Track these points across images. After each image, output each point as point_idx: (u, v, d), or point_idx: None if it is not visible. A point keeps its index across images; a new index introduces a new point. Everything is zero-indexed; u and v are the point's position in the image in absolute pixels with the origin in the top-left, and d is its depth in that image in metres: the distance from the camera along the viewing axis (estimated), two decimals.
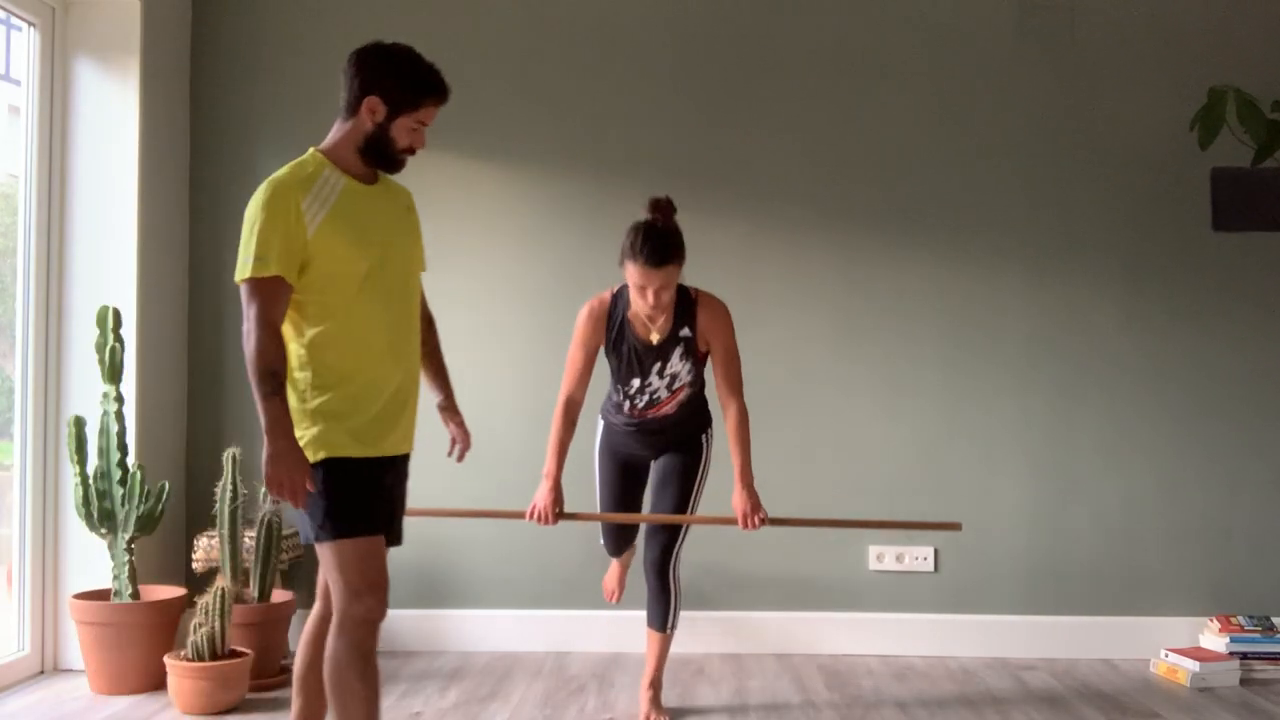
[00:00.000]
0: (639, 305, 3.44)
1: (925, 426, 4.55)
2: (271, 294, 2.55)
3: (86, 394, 4.09)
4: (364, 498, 2.67)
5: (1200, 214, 4.43)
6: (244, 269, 2.55)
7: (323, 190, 2.63)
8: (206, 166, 4.63)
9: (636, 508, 3.79)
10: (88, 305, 4.11)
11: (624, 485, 3.76)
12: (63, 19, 4.21)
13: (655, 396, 3.58)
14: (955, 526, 3.78)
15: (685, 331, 3.49)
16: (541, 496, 3.54)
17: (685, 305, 3.50)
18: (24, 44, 4.15)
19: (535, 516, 3.54)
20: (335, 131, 2.73)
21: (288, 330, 2.64)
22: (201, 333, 4.62)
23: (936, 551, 4.54)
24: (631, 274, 3.37)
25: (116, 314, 3.98)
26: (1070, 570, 4.53)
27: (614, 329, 3.52)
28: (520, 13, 4.63)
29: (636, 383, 3.56)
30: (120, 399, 3.98)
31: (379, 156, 2.72)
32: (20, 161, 4.15)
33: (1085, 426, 4.54)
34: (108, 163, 4.22)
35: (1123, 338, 4.56)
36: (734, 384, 3.54)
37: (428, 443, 4.69)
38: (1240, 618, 4.34)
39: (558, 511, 3.54)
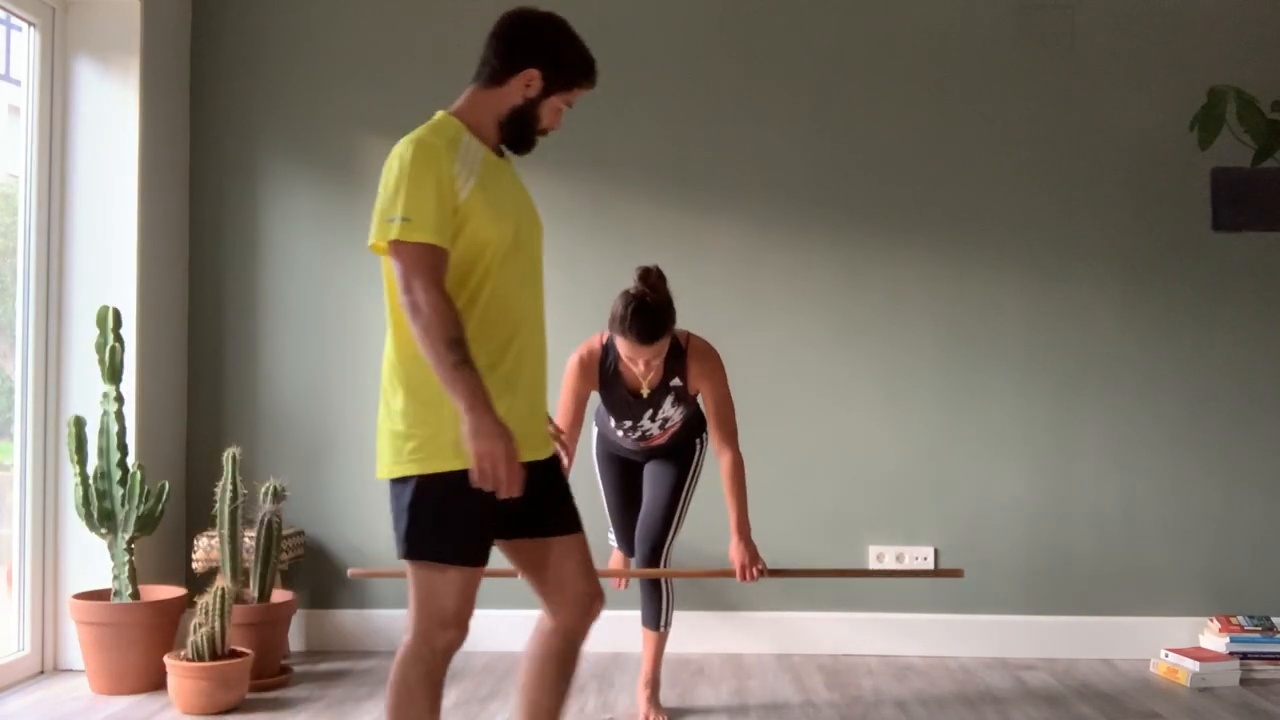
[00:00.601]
0: (629, 368, 3.42)
1: (925, 425, 4.54)
2: (430, 259, 2.26)
3: (86, 394, 4.09)
4: (489, 519, 2.38)
5: (1200, 214, 4.43)
6: (387, 229, 2.27)
7: (468, 156, 2.37)
8: (206, 166, 4.63)
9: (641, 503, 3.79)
10: (88, 305, 4.11)
11: (627, 481, 3.79)
12: (63, 19, 4.21)
13: (647, 433, 3.59)
14: (958, 573, 3.77)
15: (676, 381, 3.47)
16: None
17: (676, 355, 3.45)
18: (24, 44, 4.15)
19: None
20: (472, 98, 2.47)
21: None
22: (201, 333, 4.62)
23: (936, 552, 4.54)
24: (622, 346, 3.33)
25: (116, 314, 3.98)
26: (1070, 570, 4.53)
27: (605, 377, 3.48)
28: None
29: (629, 423, 3.56)
30: (120, 399, 3.98)
31: (519, 133, 2.50)
32: (20, 161, 4.15)
33: (1085, 426, 4.54)
34: (108, 163, 4.22)
35: (1122, 338, 4.55)
36: (728, 432, 3.49)
37: None
38: (1240, 618, 4.34)
39: None
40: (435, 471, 2.31)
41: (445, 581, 2.35)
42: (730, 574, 3.51)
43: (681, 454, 3.68)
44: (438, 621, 2.37)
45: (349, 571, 3.80)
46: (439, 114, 2.46)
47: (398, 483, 2.35)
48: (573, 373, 3.47)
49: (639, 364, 3.35)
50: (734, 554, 3.49)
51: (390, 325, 2.38)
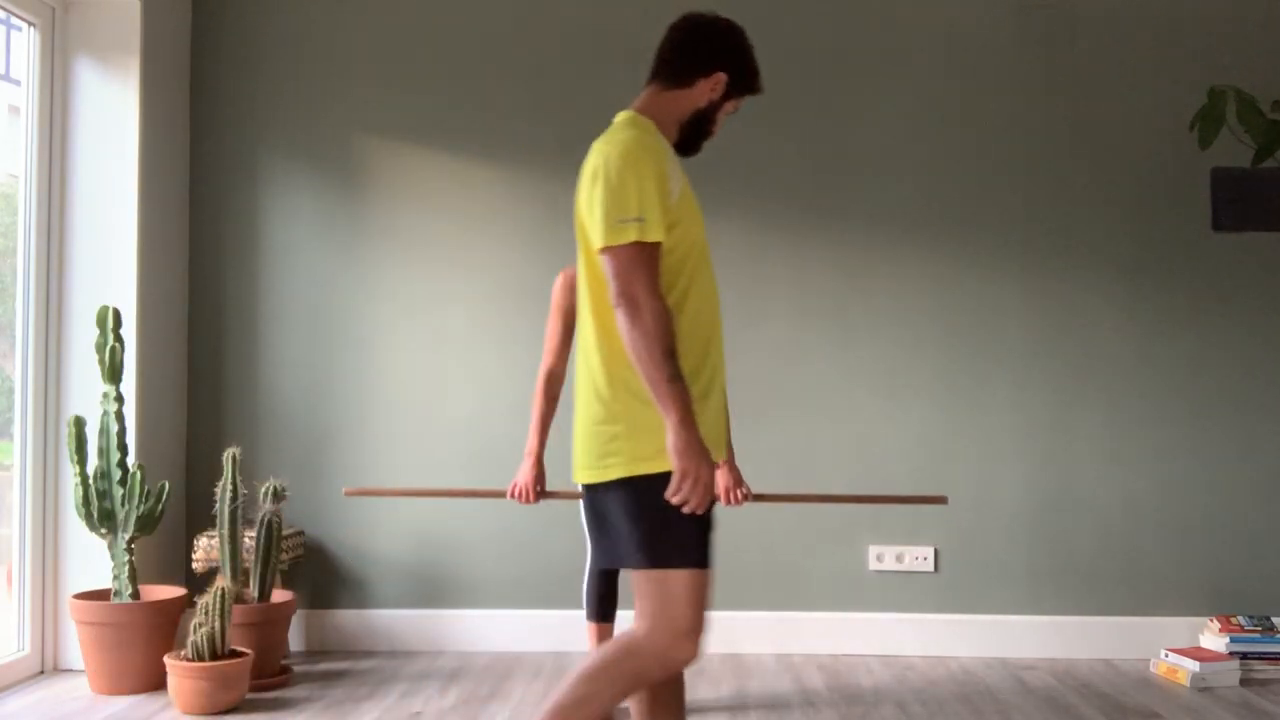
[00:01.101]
0: None
1: (925, 426, 4.54)
2: (653, 261, 2.25)
3: (86, 394, 4.09)
4: (712, 518, 2.37)
5: (1200, 214, 4.43)
6: (623, 231, 2.24)
7: (670, 155, 2.38)
8: (206, 166, 4.63)
9: None
10: (88, 305, 4.11)
11: None
12: (63, 19, 4.21)
13: None
14: (941, 500, 3.68)
15: None
16: (523, 475, 3.51)
17: None
18: (24, 44, 4.15)
19: (516, 495, 3.51)
20: (656, 98, 2.46)
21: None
22: (201, 333, 4.62)
23: (936, 551, 4.54)
24: None
25: (116, 314, 3.98)
26: (1070, 570, 4.53)
27: None
28: (520, 12, 4.63)
29: None
30: (120, 399, 3.98)
31: (695, 135, 2.50)
32: (20, 161, 4.15)
33: (1085, 426, 4.54)
34: (108, 163, 4.22)
35: (1122, 337, 4.55)
36: None
37: (422, 439, 4.70)
38: (1240, 618, 4.34)
39: (539, 490, 3.51)
40: (662, 471, 2.28)
41: (687, 586, 2.29)
42: (714, 498, 3.48)
43: None
44: (680, 632, 2.28)
45: (344, 490, 3.70)
46: (628, 113, 2.44)
47: (617, 487, 2.32)
48: (557, 290, 3.60)
49: None
50: (719, 478, 3.46)
51: (599, 326, 2.36)
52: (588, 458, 2.36)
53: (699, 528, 2.32)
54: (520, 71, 4.62)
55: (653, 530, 2.29)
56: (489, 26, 4.63)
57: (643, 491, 2.29)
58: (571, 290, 3.55)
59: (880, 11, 4.60)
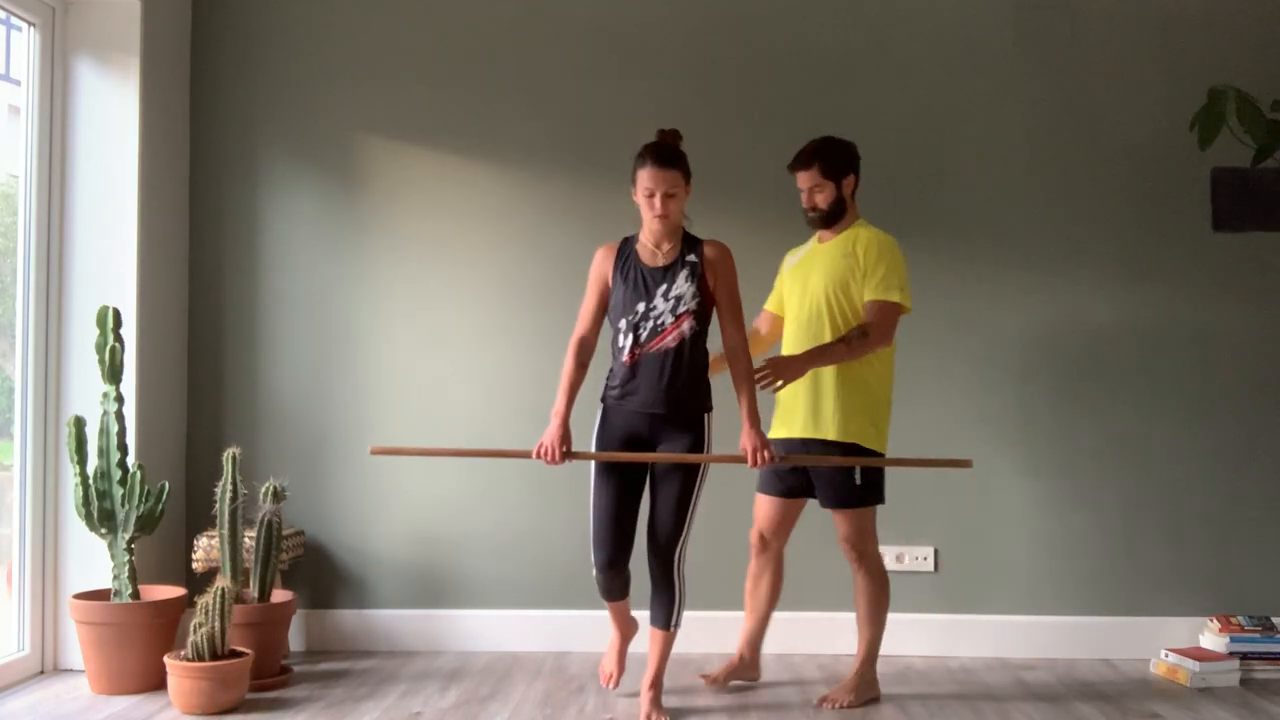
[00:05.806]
0: (647, 218, 3.58)
1: (925, 425, 4.54)
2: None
3: (86, 394, 4.09)
4: None
5: (1200, 214, 4.43)
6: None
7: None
8: (206, 166, 4.63)
9: (632, 518, 3.68)
10: (88, 305, 4.11)
11: (621, 490, 3.67)
12: (63, 19, 4.21)
13: (660, 323, 3.58)
14: (966, 463, 3.85)
15: (691, 257, 3.62)
16: (549, 435, 3.58)
17: (691, 240, 3.67)
18: (24, 44, 4.15)
19: (542, 454, 3.57)
20: None
21: None
22: (201, 333, 4.62)
23: (936, 551, 4.54)
24: (641, 181, 3.54)
25: (116, 314, 3.99)
26: (1070, 570, 4.53)
27: (624, 257, 3.66)
28: (520, 12, 4.64)
29: (641, 307, 3.58)
30: (120, 399, 3.98)
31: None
32: (20, 161, 4.15)
33: (1085, 426, 4.54)
34: (108, 163, 4.22)
35: (1122, 338, 4.55)
36: (738, 324, 3.66)
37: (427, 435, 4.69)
38: (1240, 618, 4.34)
39: (565, 450, 3.57)
40: None
41: None
42: (741, 460, 3.61)
43: (691, 437, 3.63)
44: None
45: (370, 449, 3.97)
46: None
47: None
48: (597, 257, 3.70)
49: (656, 203, 3.52)
50: (745, 441, 3.60)
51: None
52: None
53: None
54: (520, 71, 4.62)
55: None
56: (489, 26, 4.63)
57: None
58: (607, 255, 3.67)
59: (880, 12, 4.60)
